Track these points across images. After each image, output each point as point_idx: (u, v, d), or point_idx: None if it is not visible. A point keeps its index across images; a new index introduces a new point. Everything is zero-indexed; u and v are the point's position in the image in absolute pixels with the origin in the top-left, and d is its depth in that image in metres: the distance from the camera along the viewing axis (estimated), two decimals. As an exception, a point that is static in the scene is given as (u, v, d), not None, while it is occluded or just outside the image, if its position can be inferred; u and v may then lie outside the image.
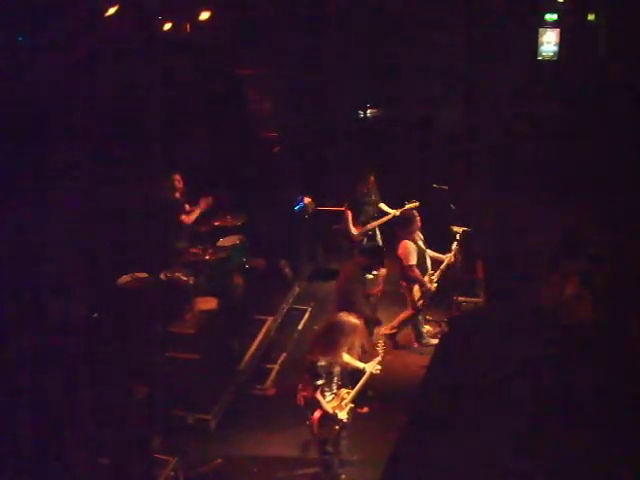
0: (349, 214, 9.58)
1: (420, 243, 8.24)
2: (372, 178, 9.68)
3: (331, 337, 5.88)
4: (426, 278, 8.20)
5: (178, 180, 8.71)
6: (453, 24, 14.17)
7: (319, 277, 10.72)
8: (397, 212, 8.77)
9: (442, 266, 8.31)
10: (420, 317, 8.62)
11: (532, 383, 6.28)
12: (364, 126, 15.45)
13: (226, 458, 6.79)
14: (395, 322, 8.60)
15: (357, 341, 6.11)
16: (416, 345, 8.66)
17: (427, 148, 13.35)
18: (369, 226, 9.32)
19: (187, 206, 8.84)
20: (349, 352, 6.10)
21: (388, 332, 8.53)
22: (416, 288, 8.23)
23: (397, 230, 8.31)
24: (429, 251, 8.38)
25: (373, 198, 9.63)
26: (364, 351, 6.60)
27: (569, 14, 15.16)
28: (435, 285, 8.26)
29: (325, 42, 13.84)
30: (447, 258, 8.36)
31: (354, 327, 5.93)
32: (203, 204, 8.89)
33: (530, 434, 5.71)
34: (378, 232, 9.73)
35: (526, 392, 6.21)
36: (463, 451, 5.70)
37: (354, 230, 9.55)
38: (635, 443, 5.36)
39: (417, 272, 8.10)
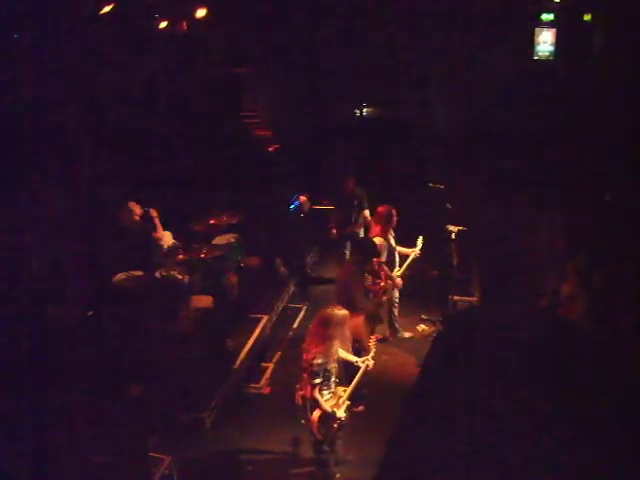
0: (332, 216, 9.99)
1: (392, 241, 8.30)
2: (352, 182, 9.76)
3: (322, 331, 5.90)
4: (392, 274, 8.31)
5: (134, 206, 8.51)
6: (451, 24, 14.15)
7: (314, 275, 10.74)
8: (417, 251, 8.62)
9: (408, 261, 8.40)
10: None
11: (528, 381, 6.29)
12: (360, 125, 15.44)
13: (221, 456, 6.79)
14: None
15: (347, 332, 6.15)
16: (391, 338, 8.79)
17: (424, 147, 13.36)
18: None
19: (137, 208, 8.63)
20: (342, 344, 6.11)
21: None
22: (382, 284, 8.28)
23: (373, 226, 8.35)
24: (399, 247, 8.51)
25: (356, 203, 9.69)
26: (364, 348, 6.62)
27: (565, 14, 15.17)
28: (401, 281, 8.33)
29: (322, 41, 13.82)
30: (412, 252, 8.44)
31: (342, 318, 5.96)
32: (154, 213, 8.65)
33: (529, 433, 5.73)
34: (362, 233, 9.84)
35: (522, 390, 6.22)
36: (457, 451, 5.71)
37: (333, 232, 9.89)
38: (635, 444, 5.39)
39: (384, 268, 8.18)
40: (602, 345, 6.80)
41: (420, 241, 8.55)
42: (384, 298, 8.39)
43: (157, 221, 8.51)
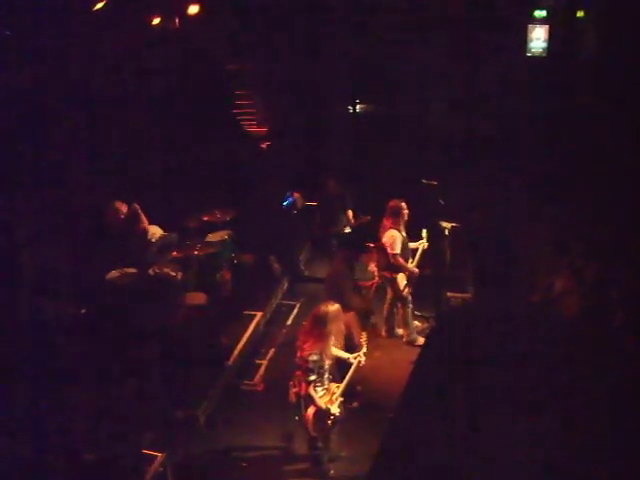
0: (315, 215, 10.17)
1: (404, 234, 8.30)
2: (332, 183, 9.81)
3: (319, 329, 5.91)
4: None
5: (120, 205, 8.49)
6: (445, 22, 14.13)
7: (308, 272, 10.75)
8: (425, 243, 8.58)
9: (417, 254, 8.41)
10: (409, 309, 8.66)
11: (521, 379, 6.31)
12: (353, 121, 15.42)
13: (215, 453, 6.79)
14: (402, 326, 8.63)
15: (342, 325, 6.17)
16: (404, 339, 8.69)
17: (417, 143, 13.35)
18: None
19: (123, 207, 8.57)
20: (336, 339, 6.12)
21: (406, 338, 8.66)
22: (400, 276, 8.28)
23: (384, 221, 8.34)
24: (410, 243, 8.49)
25: (338, 203, 9.79)
26: (355, 344, 6.62)
27: (558, 11, 15.20)
28: (417, 270, 8.36)
29: (317, 37, 13.80)
30: (420, 245, 8.46)
31: (337, 313, 5.99)
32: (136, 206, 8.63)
33: (519, 432, 5.75)
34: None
35: (514, 388, 6.24)
36: (449, 447, 5.72)
37: (317, 230, 10.14)
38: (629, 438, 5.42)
39: (401, 260, 8.20)
40: (597, 340, 6.83)
41: (425, 233, 8.57)
42: (406, 292, 8.39)
43: (140, 213, 8.52)
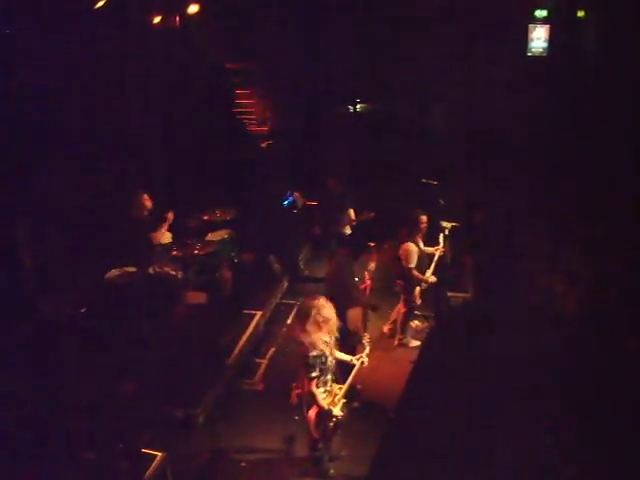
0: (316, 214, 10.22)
1: (421, 245, 8.25)
2: (332, 181, 9.84)
3: (302, 320, 5.89)
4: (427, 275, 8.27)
5: (146, 199, 8.45)
6: (446, 19, 14.14)
7: (308, 272, 10.75)
8: (441, 249, 8.52)
9: (435, 259, 8.35)
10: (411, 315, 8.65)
11: (520, 379, 6.32)
12: (354, 120, 15.44)
13: (214, 453, 6.79)
14: (398, 330, 8.62)
15: (330, 315, 6.00)
16: (396, 342, 8.68)
17: (417, 142, 13.35)
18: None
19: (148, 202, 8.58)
20: (326, 330, 5.98)
21: (399, 341, 8.63)
22: (417, 290, 8.26)
23: (400, 232, 8.27)
24: (425, 248, 8.43)
25: (339, 203, 9.76)
26: (360, 341, 6.59)
27: (559, 11, 15.22)
28: (434, 278, 8.31)
29: (315, 36, 13.80)
30: (437, 251, 8.42)
31: (319, 304, 5.89)
32: (170, 216, 8.67)
33: (517, 432, 5.75)
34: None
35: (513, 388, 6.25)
36: (447, 448, 5.73)
37: (317, 229, 10.17)
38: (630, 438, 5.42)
39: (417, 274, 8.13)
40: (596, 341, 6.84)
41: (442, 239, 8.51)
42: (417, 302, 8.40)
43: (166, 225, 8.52)
